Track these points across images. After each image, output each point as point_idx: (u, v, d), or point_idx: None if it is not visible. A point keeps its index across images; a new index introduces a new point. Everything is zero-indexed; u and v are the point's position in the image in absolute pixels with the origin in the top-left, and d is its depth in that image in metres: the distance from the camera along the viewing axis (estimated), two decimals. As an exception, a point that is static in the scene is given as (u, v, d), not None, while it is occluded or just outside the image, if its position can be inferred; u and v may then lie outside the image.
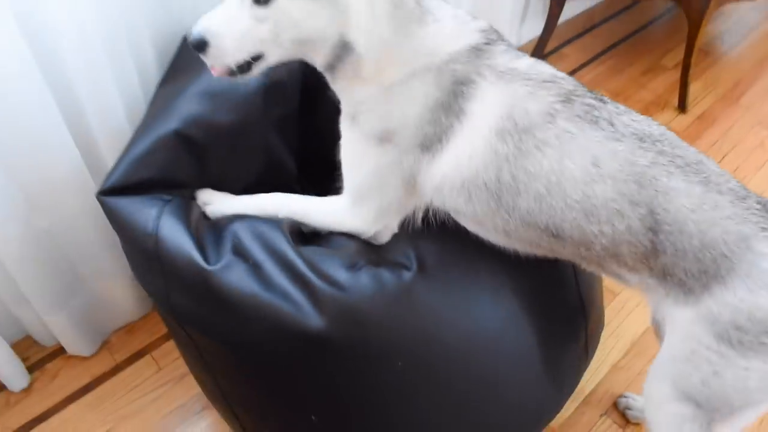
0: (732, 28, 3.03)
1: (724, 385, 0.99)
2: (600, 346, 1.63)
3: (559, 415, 1.48)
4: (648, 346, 1.70)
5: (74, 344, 1.68)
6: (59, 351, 1.75)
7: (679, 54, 2.51)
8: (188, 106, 1.29)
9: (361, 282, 1.06)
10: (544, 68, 1.06)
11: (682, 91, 2.45)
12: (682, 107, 2.48)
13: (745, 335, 0.94)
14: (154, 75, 1.46)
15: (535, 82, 1.01)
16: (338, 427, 1.13)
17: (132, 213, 1.20)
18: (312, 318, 1.04)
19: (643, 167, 0.96)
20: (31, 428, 1.60)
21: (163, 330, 1.78)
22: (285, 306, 1.04)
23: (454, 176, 1.03)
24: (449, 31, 1.05)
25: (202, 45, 1.01)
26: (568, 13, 2.99)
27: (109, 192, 1.26)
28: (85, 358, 1.73)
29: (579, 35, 2.96)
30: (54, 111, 1.29)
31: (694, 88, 2.57)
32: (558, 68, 1.09)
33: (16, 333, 1.74)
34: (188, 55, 1.38)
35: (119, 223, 1.22)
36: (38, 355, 1.75)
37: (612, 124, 0.99)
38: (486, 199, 1.02)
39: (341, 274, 1.07)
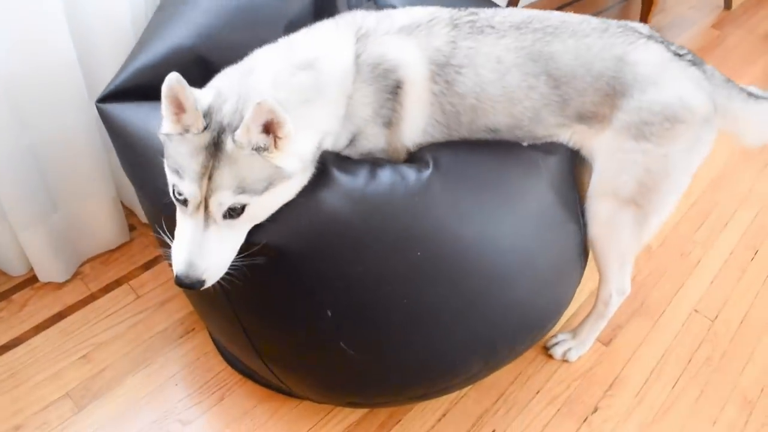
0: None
1: (653, 176, 1.21)
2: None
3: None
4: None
5: (47, 269, 1.61)
6: (27, 282, 1.67)
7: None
8: (204, 19, 1.29)
9: (381, 174, 1.11)
10: (416, 13, 1.21)
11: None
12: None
13: (653, 126, 1.17)
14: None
15: (423, 26, 1.17)
16: (351, 320, 1.13)
17: (142, 117, 1.19)
18: (335, 203, 1.06)
19: (530, 47, 1.17)
20: (-4, 357, 1.52)
21: (142, 260, 1.73)
22: (310, 196, 1.06)
23: (417, 128, 1.19)
24: (337, 56, 1.12)
25: (200, 284, 0.98)
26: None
27: (112, 97, 1.24)
28: (56, 288, 1.66)
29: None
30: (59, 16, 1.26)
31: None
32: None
33: (-20, 263, 1.65)
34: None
35: (123, 129, 1.20)
36: (5, 286, 1.66)
37: (493, 27, 1.19)
38: (440, 130, 1.21)
39: (362, 169, 1.11)
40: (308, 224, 1.06)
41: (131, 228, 1.80)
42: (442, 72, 1.15)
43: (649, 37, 1.22)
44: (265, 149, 0.96)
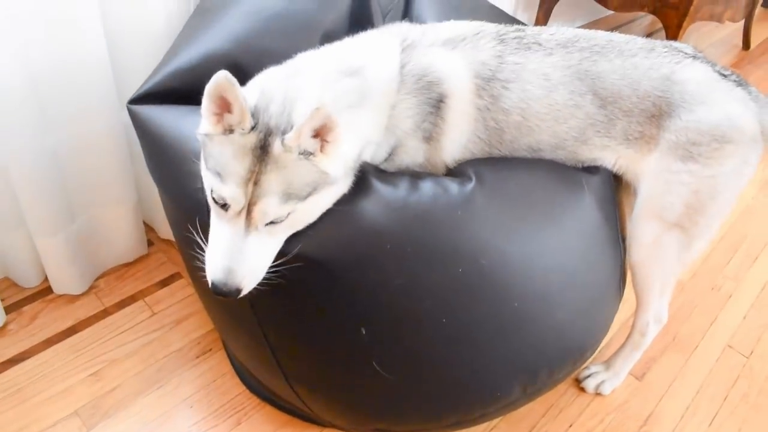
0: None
1: (700, 198, 1.18)
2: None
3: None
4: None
5: (63, 280, 1.55)
6: (40, 294, 1.61)
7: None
8: (240, 25, 1.28)
9: (423, 186, 1.07)
10: (462, 26, 1.19)
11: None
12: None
13: (701, 147, 1.14)
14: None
15: (469, 39, 1.15)
16: (386, 337, 1.08)
17: (174, 120, 1.16)
18: (375, 213, 1.02)
19: (576, 65, 1.16)
20: (2, 371, 1.45)
21: (158, 277, 1.68)
22: (349, 205, 1.02)
23: (458, 144, 1.16)
24: (383, 64, 1.09)
25: (237, 292, 0.94)
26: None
27: (144, 99, 1.22)
28: (68, 301, 1.60)
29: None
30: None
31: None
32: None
33: (-6, 273, 1.60)
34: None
35: (153, 131, 1.17)
36: (16, 297, 1.60)
37: (540, 44, 1.17)
38: (481, 147, 1.18)
39: (403, 180, 1.08)
40: (346, 233, 1.02)
41: (149, 243, 1.76)
42: (488, 86, 1.13)
43: (695, 57, 1.20)
44: (312, 153, 0.92)
